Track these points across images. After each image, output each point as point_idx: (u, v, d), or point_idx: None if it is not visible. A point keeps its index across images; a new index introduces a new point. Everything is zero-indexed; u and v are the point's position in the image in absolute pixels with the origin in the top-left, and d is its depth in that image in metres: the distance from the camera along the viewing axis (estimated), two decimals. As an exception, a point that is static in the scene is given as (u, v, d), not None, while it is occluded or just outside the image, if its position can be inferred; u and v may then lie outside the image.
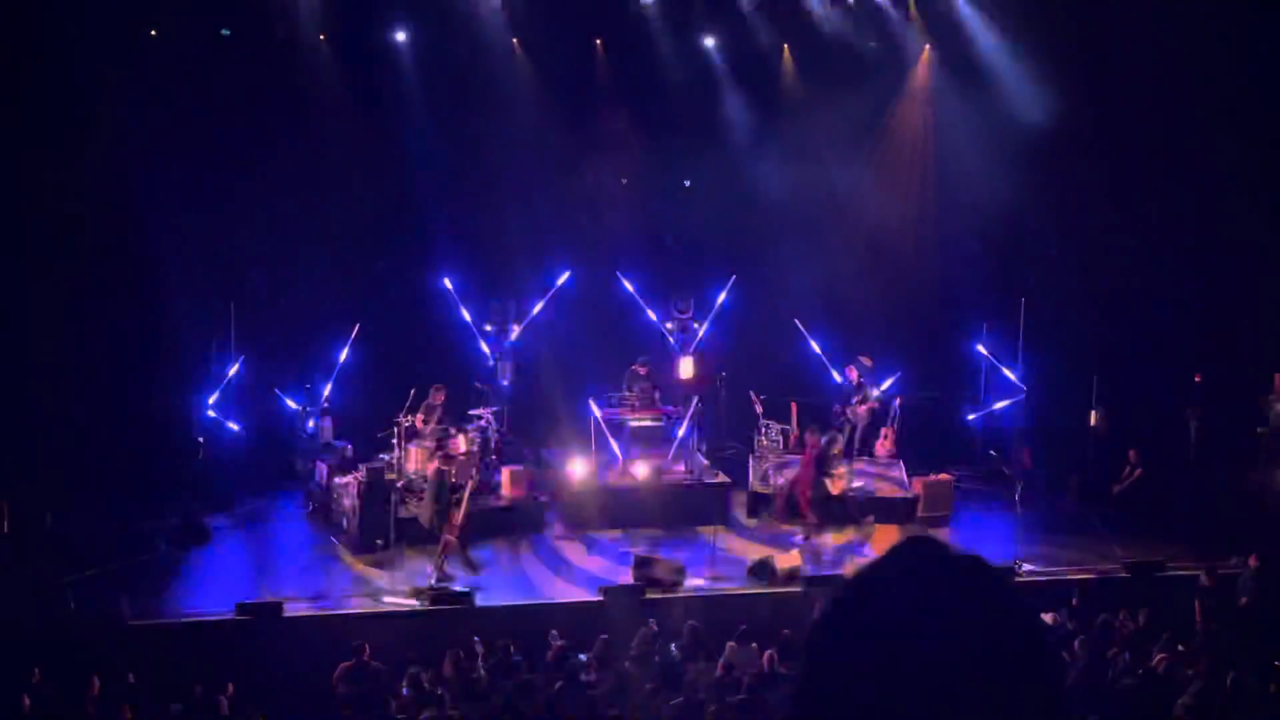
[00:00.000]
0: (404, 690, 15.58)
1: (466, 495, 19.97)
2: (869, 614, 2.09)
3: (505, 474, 22.39)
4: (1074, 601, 18.36)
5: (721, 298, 25.12)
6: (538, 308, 24.67)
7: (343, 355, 23.50)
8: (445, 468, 20.51)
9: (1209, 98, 24.16)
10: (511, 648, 16.59)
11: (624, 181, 26.78)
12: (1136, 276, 25.09)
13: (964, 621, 2.06)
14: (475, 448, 22.36)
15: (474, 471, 21.40)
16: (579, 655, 16.56)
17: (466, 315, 24.40)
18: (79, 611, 17.93)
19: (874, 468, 23.76)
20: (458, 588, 18.97)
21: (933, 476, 23.12)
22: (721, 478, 23.15)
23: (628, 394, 23.73)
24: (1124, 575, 20.11)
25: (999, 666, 2.04)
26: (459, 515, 19.70)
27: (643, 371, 24.03)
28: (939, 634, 2.04)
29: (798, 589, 19.22)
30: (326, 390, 23.39)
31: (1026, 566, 20.16)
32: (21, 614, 17.51)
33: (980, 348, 24.88)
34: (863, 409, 23.76)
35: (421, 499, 20.95)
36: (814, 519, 21.80)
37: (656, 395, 23.86)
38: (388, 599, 18.88)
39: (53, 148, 22.01)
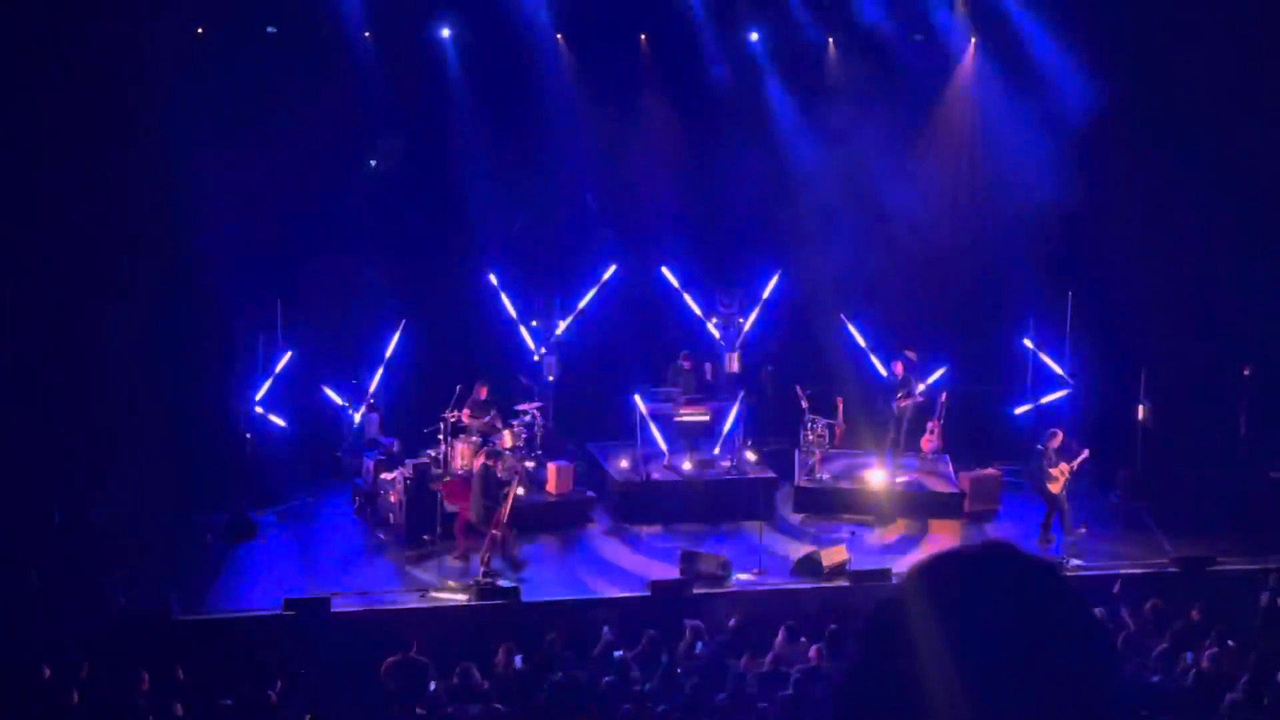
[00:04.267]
0: (433, 685, 15.61)
1: (512, 490, 20.03)
2: (921, 611, 2.08)
3: (551, 469, 22.42)
4: (1116, 590, 18.25)
5: (767, 292, 25.07)
6: (583, 302, 24.69)
7: (389, 350, 23.59)
8: (491, 463, 20.56)
9: (1262, 87, 23.96)
10: (557, 643, 16.60)
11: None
12: (1185, 269, 24.90)
13: (1020, 623, 2.04)
14: (521, 443, 22.42)
15: (519, 466, 21.46)
16: (626, 650, 16.56)
17: (512, 310, 24.44)
18: (128, 607, 18.06)
19: (920, 463, 23.72)
20: (504, 583, 19.01)
21: (980, 471, 23.04)
22: (767, 472, 23.11)
23: (672, 388, 23.75)
24: (1174, 570, 19.99)
25: (1053, 669, 2.02)
26: (505, 510, 19.75)
27: (687, 366, 24.06)
28: (993, 634, 2.02)
29: (844, 583, 19.21)
30: (373, 385, 23.49)
31: (1074, 562, 20.06)
32: (71, 609, 17.64)
33: (1027, 341, 24.73)
34: (908, 403, 23.67)
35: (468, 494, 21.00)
36: (462, 545, 20.34)
37: (705, 386, 23.89)
38: (434, 594, 18.94)
39: (101, 143, 22.13)
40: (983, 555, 2.21)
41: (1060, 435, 21.36)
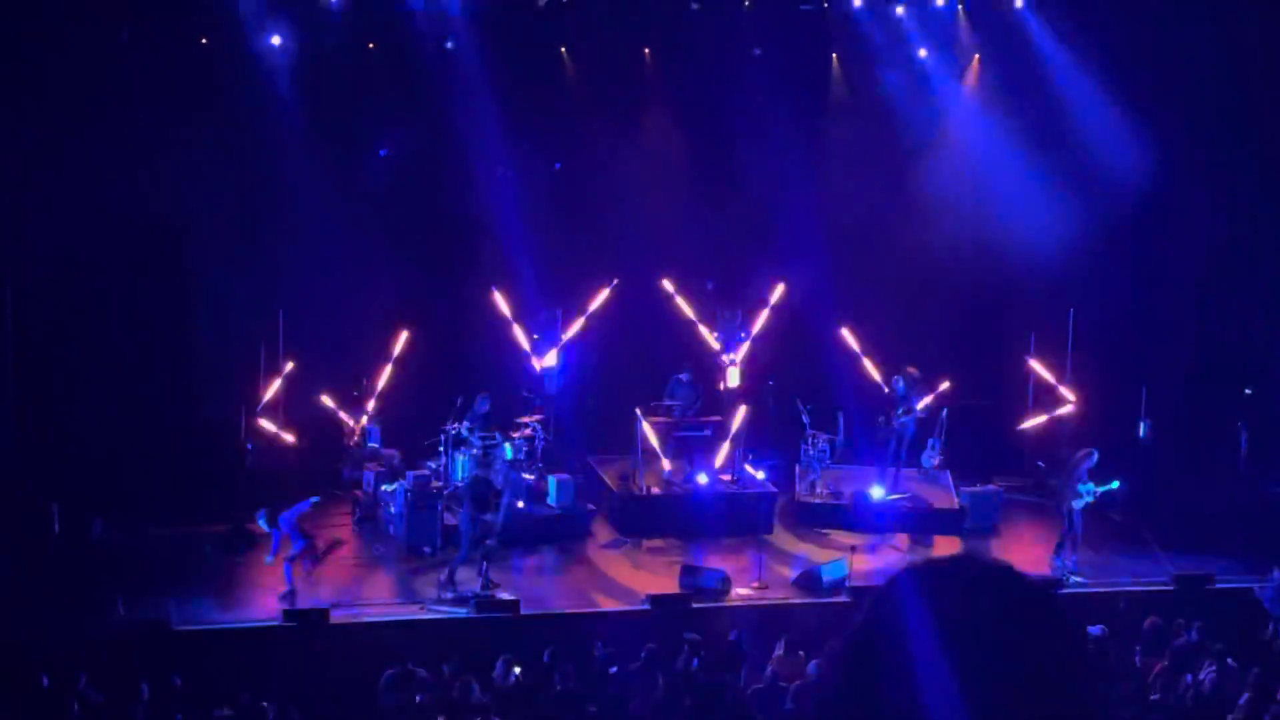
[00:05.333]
0: (419, 698, 15.61)
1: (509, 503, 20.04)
2: (900, 626, 2.08)
3: (552, 482, 22.40)
4: (1121, 605, 18.22)
5: (768, 306, 25.04)
6: (584, 316, 24.66)
7: (390, 362, 23.58)
8: (491, 475, 20.56)
9: (1262, 106, 23.98)
10: (556, 656, 16.59)
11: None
12: (1186, 287, 24.90)
13: (997, 635, 2.05)
14: (522, 456, 22.40)
15: (521, 479, 21.47)
16: (625, 665, 16.55)
17: (514, 323, 24.42)
18: (127, 617, 18.04)
19: (921, 478, 23.69)
20: (503, 596, 19.00)
21: (980, 487, 23.02)
22: (767, 487, 23.10)
23: (673, 402, 23.73)
24: (1174, 589, 19.96)
25: (1032, 680, 2.03)
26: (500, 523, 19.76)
27: (688, 380, 24.02)
28: (971, 647, 2.03)
29: (844, 599, 19.19)
30: (374, 397, 23.47)
31: (1075, 579, 20.03)
32: (70, 620, 17.62)
33: (1028, 358, 24.73)
34: (909, 419, 23.63)
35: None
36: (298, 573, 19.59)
37: (705, 399, 23.89)
38: (433, 606, 18.92)
39: (99, 155, 22.13)
40: (949, 567, 2.21)
41: (1094, 455, 21.12)
